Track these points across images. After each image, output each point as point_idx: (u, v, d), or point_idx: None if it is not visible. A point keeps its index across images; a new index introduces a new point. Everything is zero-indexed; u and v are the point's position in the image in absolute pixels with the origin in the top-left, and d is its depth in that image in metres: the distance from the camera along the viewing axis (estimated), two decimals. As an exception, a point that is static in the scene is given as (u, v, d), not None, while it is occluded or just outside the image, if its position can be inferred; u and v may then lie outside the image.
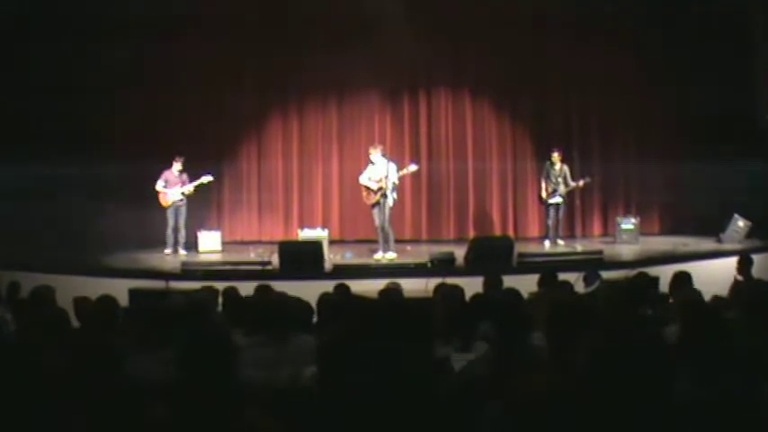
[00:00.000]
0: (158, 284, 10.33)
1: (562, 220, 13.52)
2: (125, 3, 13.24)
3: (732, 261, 8.75)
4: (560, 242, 13.34)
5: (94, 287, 7.64)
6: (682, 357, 3.06)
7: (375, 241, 12.28)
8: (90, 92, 13.29)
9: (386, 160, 11.99)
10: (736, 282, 7.83)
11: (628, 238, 13.57)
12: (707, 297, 6.32)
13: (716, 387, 2.79)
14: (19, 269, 9.84)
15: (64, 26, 13.12)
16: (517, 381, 2.49)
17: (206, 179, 12.96)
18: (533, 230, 14.80)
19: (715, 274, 8.51)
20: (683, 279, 6.54)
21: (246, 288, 7.21)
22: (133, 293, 8.76)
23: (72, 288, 7.32)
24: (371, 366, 3.26)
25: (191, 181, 12.89)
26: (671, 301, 6.39)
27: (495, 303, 5.63)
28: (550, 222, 13.38)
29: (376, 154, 12.00)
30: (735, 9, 13.69)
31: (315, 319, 6.04)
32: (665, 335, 3.74)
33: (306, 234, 12.98)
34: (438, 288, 6.89)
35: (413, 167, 12.38)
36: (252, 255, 12.33)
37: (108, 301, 5.16)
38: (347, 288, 7.11)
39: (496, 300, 6.01)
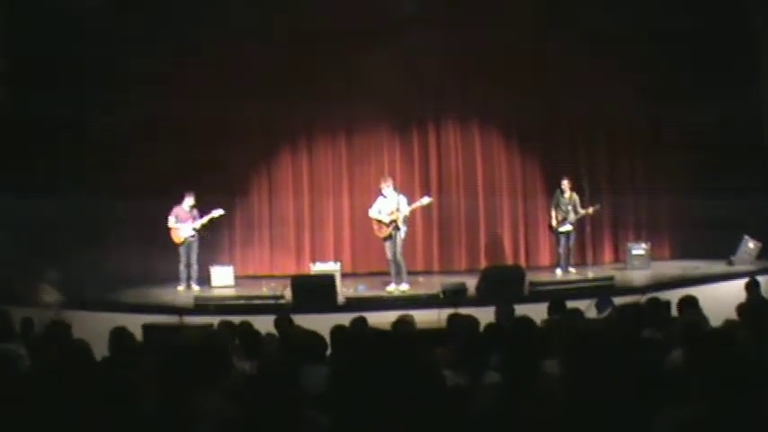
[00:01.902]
0: (172, 319, 10.41)
1: (573, 247, 13.51)
2: (138, 45, 13.48)
3: (743, 283, 8.74)
4: (572, 270, 13.33)
5: (108, 323, 7.68)
6: (687, 379, 3.09)
7: (387, 273, 12.32)
8: (104, 127, 13.51)
9: (396, 193, 12.06)
10: (746, 301, 7.79)
11: (639, 263, 13.55)
12: (719, 320, 6.34)
13: (723, 407, 2.82)
14: (32, 305, 9.90)
15: (82, 71, 13.34)
16: (527, 410, 2.53)
17: (217, 213, 13.04)
18: (545, 259, 14.78)
19: (727, 297, 8.49)
20: (688, 303, 6.56)
21: (260, 322, 7.25)
22: (147, 329, 8.83)
23: (85, 324, 7.38)
24: (382, 396, 3.30)
25: (201, 216, 12.99)
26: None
27: (505, 332, 5.67)
28: (561, 250, 13.38)
29: (387, 187, 12.07)
30: (746, 37, 13.83)
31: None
32: (671, 358, 3.78)
33: (318, 268, 13.02)
34: (451, 318, 6.91)
35: (426, 200, 12.42)
36: (265, 289, 12.36)
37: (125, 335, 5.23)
38: (364, 321, 7.11)
39: (507, 329, 6.05)
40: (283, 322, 7.12)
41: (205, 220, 12.98)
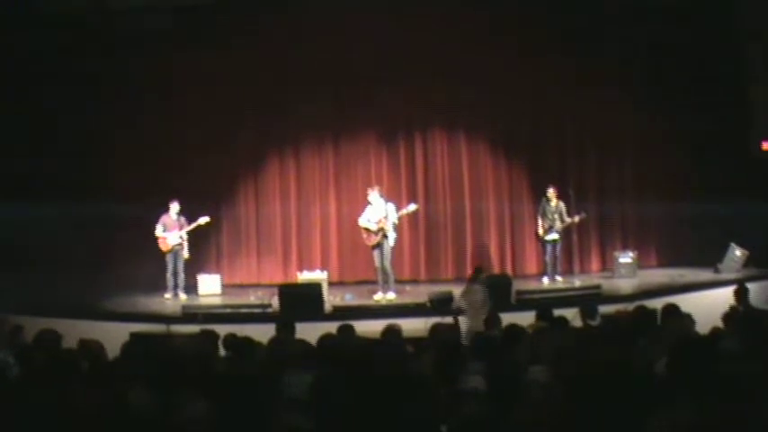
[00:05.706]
0: (159, 328, 10.41)
1: (560, 256, 13.52)
2: (126, 51, 13.54)
3: (730, 291, 8.78)
4: (558, 278, 13.34)
5: (95, 331, 7.69)
6: (671, 387, 3.10)
7: (374, 282, 12.32)
8: (90, 135, 13.59)
9: (383, 201, 12.07)
10: (730, 309, 7.79)
11: (626, 271, 13.57)
12: (706, 328, 6.36)
13: (708, 414, 2.83)
14: (20, 313, 9.87)
15: (70, 78, 13.38)
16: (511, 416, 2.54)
17: (203, 220, 13.06)
18: (531, 268, 14.75)
19: (713, 305, 8.52)
20: (671, 311, 6.59)
21: (247, 331, 7.22)
22: (134, 337, 8.82)
23: (73, 332, 7.33)
24: (366, 405, 3.31)
25: (188, 223, 12.98)
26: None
27: (489, 341, 5.69)
28: (548, 259, 13.39)
29: (374, 195, 12.08)
30: (732, 42, 13.95)
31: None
32: (658, 365, 3.79)
33: (305, 276, 13.02)
34: (434, 328, 6.88)
35: (412, 207, 12.45)
36: (252, 298, 12.35)
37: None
38: (351, 329, 7.09)
39: (492, 338, 6.07)
40: (286, 328, 7.09)
41: (191, 227, 12.97)
